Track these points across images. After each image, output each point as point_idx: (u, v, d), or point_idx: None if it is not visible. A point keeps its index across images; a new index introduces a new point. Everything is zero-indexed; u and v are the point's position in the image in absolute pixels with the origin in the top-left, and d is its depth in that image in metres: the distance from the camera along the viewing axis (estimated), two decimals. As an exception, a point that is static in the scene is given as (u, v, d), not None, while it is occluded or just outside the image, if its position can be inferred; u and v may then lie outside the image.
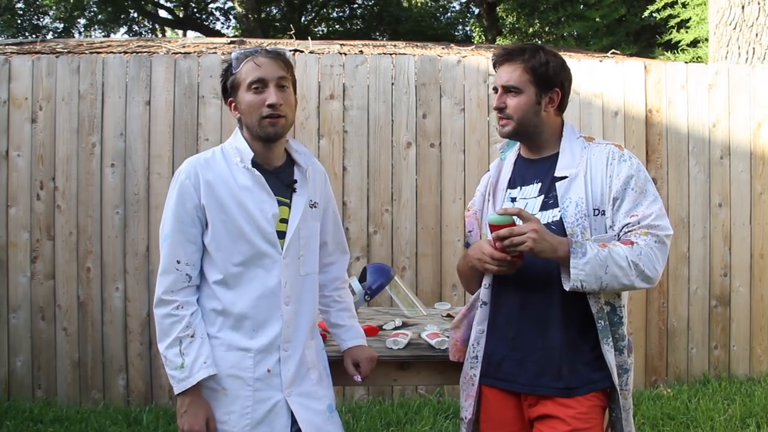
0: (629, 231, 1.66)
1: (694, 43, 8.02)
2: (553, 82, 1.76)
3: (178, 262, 1.69)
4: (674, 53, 8.03)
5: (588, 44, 9.62)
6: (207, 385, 1.70)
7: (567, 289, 1.63)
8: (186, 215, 1.70)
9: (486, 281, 1.81)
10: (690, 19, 7.99)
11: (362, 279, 2.58)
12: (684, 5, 8.12)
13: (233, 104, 1.76)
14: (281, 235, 1.74)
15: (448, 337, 2.10)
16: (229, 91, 1.76)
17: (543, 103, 1.76)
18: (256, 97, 1.70)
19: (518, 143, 1.88)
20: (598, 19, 9.44)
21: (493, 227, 1.64)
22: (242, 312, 1.70)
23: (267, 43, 1.67)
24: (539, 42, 11.89)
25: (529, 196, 1.78)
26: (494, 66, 1.82)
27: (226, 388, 1.70)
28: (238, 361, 1.70)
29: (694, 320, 4.25)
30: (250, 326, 1.71)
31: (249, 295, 1.70)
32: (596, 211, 1.69)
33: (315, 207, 1.83)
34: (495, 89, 1.81)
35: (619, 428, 1.73)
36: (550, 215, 1.72)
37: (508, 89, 1.76)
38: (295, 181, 1.80)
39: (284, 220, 1.75)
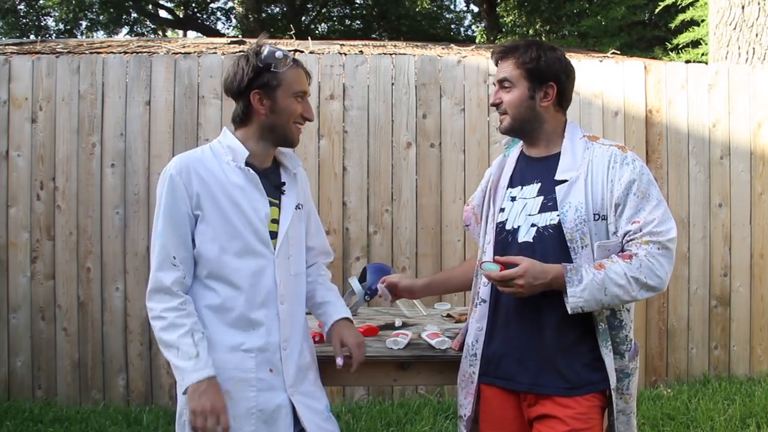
0: (631, 240, 1.65)
1: (696, 44, 8.01)
2: (545, 76, 1.75)
3: (174, 258, 1.68)
4: (678, 53, 8.01)
5: (593, 44, 9.55)
6: None
7: (570, 313, 1.63)
8: (178, 214, 1.68)
9: (485, 278, 1.81)
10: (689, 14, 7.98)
11: (362, 279, 2.57)
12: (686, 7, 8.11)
13: (261, 99, 1.72)
14: (272, 235, 1.75)
15: (448, 337, 2.10)
16: (264, 84, 1.71)
17: (537, 97, 1.76)
18: (299, 106, 1.75)
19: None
20: (600, 19, 9.39)
21: (486, 275, 1.71)
22: (240, 312, 1.70)
23: (290, 52, 1.66)
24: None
25: (529, 197, 1.77)
26: (495, 65, 1.84)
27: (229, 390, 1.68)
28: (240, 362, 1.70)
29: (694, 320, 4.25)
30: (249, 326, 1.70)
31: (245, 294, 1.70)
32: (596, 216, 1.67)
33: (300, 208, 1.85)
34: (494, 84, 1.84)
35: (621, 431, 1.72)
36: (548, 218, 1.71)
37: (502, 83, 1.78)
38: (284, 183, 1.82)
39: (274, 221, 1.76)
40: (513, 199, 1.80)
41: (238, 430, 1.68)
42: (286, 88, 1.72)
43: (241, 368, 1.69)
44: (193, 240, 1.71)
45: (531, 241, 1.72)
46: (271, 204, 1.76)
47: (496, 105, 1.80)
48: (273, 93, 1.72)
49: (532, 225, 1.73)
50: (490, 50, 7.07)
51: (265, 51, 1.72)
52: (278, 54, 1.72)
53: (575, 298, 1.60)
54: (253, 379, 1.70)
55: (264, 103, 1.73)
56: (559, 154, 1.76)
